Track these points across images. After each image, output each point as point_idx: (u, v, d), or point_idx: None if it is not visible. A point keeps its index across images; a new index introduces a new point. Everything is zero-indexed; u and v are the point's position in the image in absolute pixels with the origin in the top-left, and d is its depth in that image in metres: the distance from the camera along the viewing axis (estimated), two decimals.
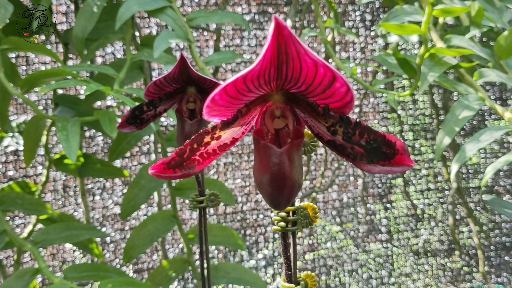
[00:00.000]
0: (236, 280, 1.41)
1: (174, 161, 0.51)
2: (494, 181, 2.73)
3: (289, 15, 1.82)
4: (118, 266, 2.09)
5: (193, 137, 0.51)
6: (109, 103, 1.96)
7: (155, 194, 1.71)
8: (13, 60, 1.83)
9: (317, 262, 2.56)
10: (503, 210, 1.16)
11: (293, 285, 0.57)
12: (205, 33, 2.18)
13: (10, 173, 1.87)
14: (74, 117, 1.31)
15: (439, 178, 2.70)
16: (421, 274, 2.71)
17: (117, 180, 2.09)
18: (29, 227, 1.47)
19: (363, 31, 2.42)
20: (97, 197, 2.04)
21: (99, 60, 1.98)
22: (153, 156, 1.85)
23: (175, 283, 2.20)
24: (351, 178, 2.59)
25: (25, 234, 1.45)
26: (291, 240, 0.57)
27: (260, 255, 2.44)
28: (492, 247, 2.77)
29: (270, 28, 0.40)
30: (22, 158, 1.79)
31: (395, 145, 0.47)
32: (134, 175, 1.74)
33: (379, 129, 2.57)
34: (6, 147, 1.80)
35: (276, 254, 2.46)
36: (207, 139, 0.51)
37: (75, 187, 1.99)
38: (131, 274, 2.13)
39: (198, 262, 1.35)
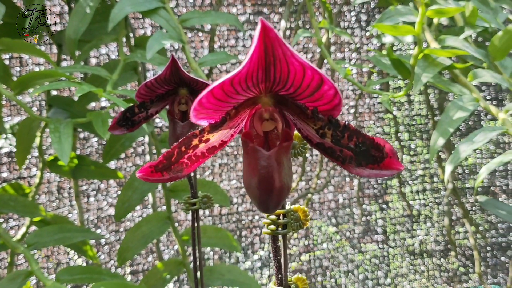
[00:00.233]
0: (230, 282, 1.40)
1: (162, 164, 0.50)
2: (490, 181, 2.74)
3: (283, 15, 1.82)
4: (113, 268, 2.09)
5: (180, 140, 0.50)
6: (103, 104, 1.95)
7: (150, 195, 1.70)
8: (7, 62, 1.82)
9: (313, 263, 2.56)
10: (498, 211, 1.16)
11: None
12: (200, 34, 2.18)
13: (4, 174, 1.85)
14: (67, 119, 1.30)
15: (435, 179, 2.71)
16: (417, 275, 2.71)
17: (111, 181, 2.08)
18: (23, 229, 1.46)
19: (359, 31, 2.42)
20: (92, 199, 2.04)
21: (93, 61, 1.98)
22: (147, 158, 1.84)
23: (171, 284, 2.19)
24: (347, 179, 2.59)
25: (18, 236, 1.44)
26: (281, 243, 0.57)
27: (255, 256, 2.43)
28: (488, 248, 2.77)
29: (256, 30, 0.40)
30: (15, 159, 1.78)
31: (383, 148, 0.47)
32: (128, 176, 1.74)
33: (375, 129, 2.57)
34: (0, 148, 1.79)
35: (271, 255, 2.46)
36: (195, 142, 0.50)
37: (70, 188, 1.98)
38: (128, 276, 2.12)
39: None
